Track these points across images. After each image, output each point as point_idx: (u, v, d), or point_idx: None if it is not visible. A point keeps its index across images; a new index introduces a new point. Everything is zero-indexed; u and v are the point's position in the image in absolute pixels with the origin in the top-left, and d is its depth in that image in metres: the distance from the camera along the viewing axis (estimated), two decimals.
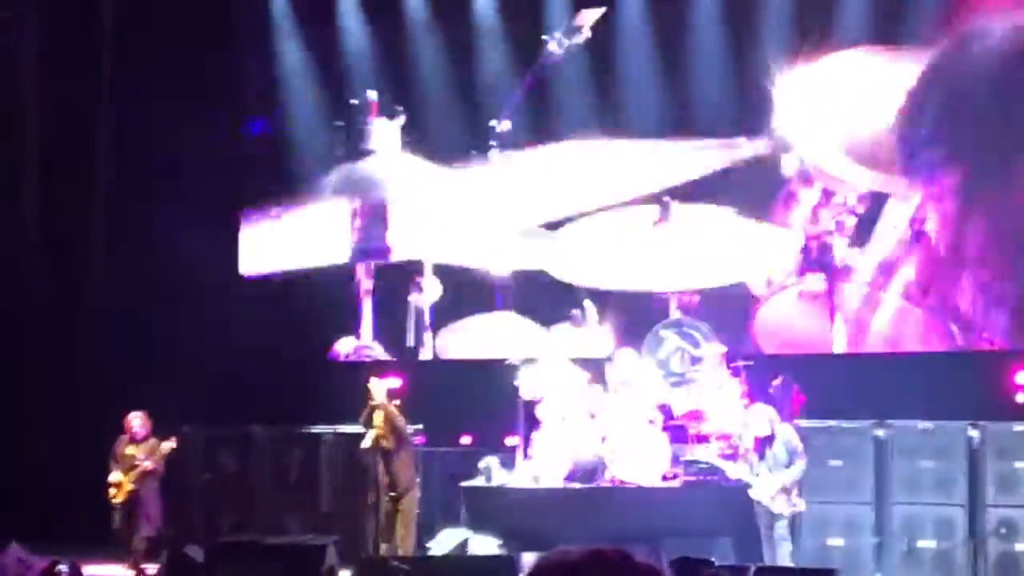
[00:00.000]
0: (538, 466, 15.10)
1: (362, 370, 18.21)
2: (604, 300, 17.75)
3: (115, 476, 14.52)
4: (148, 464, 14.45)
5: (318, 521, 15.86)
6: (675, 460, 15.00)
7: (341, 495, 15.99)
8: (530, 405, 15.59)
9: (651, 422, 14.97)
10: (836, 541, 14.18)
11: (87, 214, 19.11)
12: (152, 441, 14.60)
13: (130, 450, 14.56)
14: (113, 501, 14.52)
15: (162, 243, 18.17)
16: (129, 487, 14.46)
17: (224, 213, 19.07)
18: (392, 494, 14.21)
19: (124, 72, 18.98)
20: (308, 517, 15.98)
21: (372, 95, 18.74)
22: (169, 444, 14.52)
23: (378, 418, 14.27)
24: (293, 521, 16.02)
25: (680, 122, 17.65)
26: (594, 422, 14.86)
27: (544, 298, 17.91)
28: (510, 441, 15.79)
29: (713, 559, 9.49)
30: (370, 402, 14.32)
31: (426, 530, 15.16)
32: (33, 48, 18.92)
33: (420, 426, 16.22)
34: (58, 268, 18.74)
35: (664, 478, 14.85)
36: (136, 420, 14.66)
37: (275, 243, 19.17)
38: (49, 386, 18.20)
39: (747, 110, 17.43)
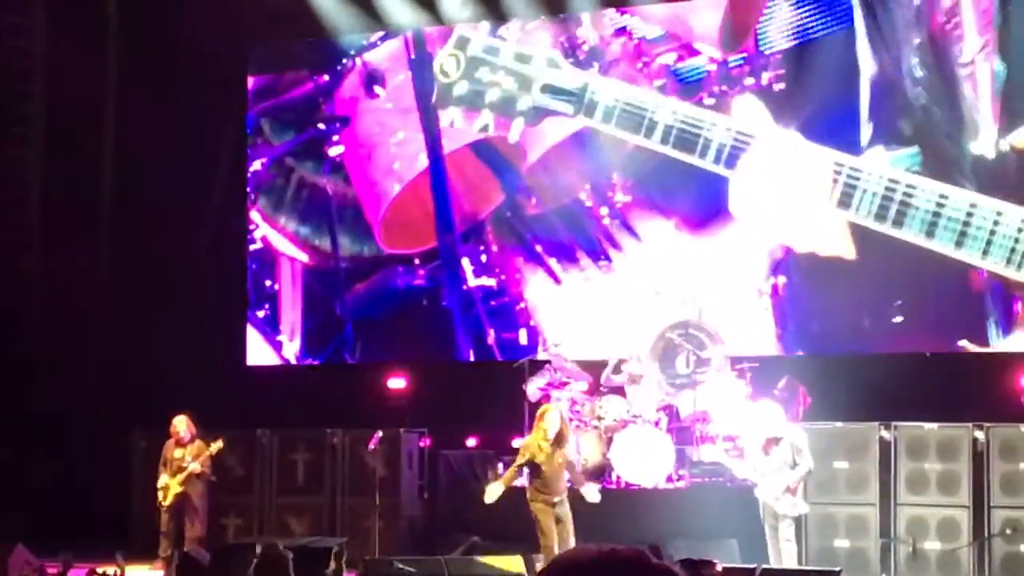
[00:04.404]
0: None
1: (369, 372, 18.25)
2: None
3: (162, 480, 14.60)
4: (195, 467, 14.51)
5: (324, 524, 15.85)
6: (681, 461, 15.02)
7: (347, 498, 15.97)
8: (536, 407, 15.59)
9: (656, 424, 14.99)
10: (842, 542, 14.18)
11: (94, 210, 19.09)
12: (198, 443, 14.64)
13: (177, 453, 14.62)
14: (161, 504, 14.59)
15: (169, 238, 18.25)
16: (176, 490, 14.53)
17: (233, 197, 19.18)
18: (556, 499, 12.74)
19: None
20: (314, 520, 15.97)
21: None
22: (216, 445, 14.56)
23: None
24: (299, 524, 16.02)
25: None
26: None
27: None
28: (516, 443, 15.80)
29: (716, 560, 9.47)
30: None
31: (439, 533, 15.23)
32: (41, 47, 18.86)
33: (424, 429, 16.24)
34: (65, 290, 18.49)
35: (669, 479, 14.87)
36: (181, 424, 14.69)
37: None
38: (62, 386, 18.21)
39: None
